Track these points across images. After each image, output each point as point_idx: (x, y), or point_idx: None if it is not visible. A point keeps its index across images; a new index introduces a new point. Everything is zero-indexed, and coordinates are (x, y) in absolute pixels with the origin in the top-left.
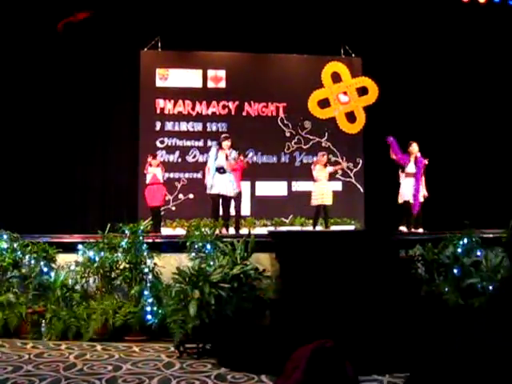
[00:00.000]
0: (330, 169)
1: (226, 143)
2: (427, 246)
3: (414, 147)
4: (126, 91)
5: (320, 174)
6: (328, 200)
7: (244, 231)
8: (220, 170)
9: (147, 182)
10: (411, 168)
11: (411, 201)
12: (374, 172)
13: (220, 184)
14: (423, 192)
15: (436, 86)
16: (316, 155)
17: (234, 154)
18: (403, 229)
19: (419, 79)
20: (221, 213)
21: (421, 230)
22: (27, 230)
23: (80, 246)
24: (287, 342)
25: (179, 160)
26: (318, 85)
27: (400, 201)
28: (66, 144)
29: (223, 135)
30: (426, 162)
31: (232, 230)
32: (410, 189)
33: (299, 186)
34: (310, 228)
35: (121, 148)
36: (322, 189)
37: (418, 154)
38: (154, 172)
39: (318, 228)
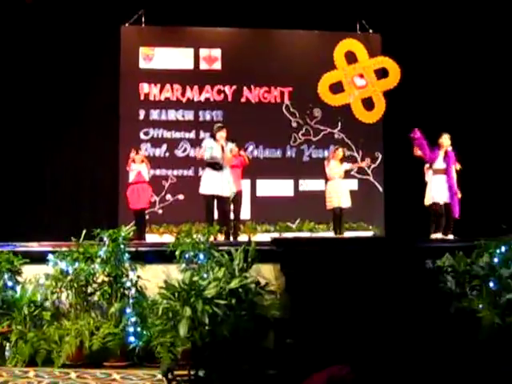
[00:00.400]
0: (347, 166)
1: (221, 134)
2: (458, 255)
3: (446, 139)
4: (104, 74)
5: (335, 171)
6: (346, 202)
7: (243, 238)
8: (216, 166)
9: (130, 180)
10: (440, 163)
11: (441, 202)
12: (396, 168)
13: (215, 182)
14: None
15: (469, 65)
16: (327, 149)
17: (230, 146)
18: (437, 236)
19: (448, 59)
20: (216, 216)
21: (451, 237)
22: None
23: (50, 256)
24: (295, 367)
25: (167, 154)
26: (330, 66)
27: (427, 202)
28: (33, 135)
29: (217, 125)
30: (458, 167)
31: (229, 237)
32: (440, 189)
33: (307, 184)
34: (321, 234)
35: (98, 141)
36: (338, 188)
37: (450, 148)
38: (138, 169)
39: (330, 234)
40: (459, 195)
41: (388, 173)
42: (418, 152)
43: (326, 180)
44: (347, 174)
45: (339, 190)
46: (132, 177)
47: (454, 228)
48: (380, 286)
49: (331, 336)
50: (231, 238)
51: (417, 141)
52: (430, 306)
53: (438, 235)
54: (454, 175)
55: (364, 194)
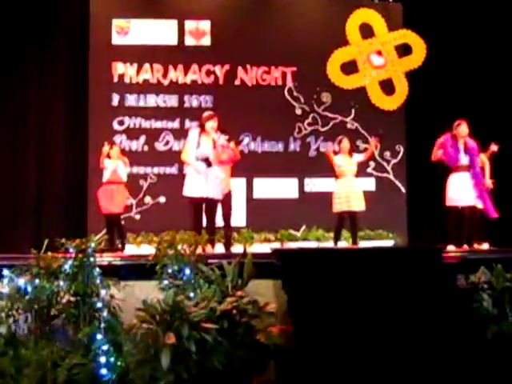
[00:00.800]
0: (360, 157)
1: (211, 124)
2: (496, 268)
3: (463, 129)
4: (70, 51)
5: (344, 166)
6: (357, 204)
7: (238, 249)
8: (204, 163)
9: (104, 179)
10: (462, 159)
11: (462, 205)
12: (421, 164)
13: (204, 183)
14: (488, 183)
15: (507, 41)
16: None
17: (222, 139)
18: (451, 248)
19: (482, 31)
20: (205, 223)
21: (486, 246)
22: None
23: (5, 272)
24: None
25: (145, 148)
26: (342, 41)
27: (448, 203)
28: None
29: (206, 113)
30: (495, 148)
31: (221, 248)
32: (461, 189)
33: (315, 184)
34: (331, 244)
35: (62, 133)
36: (348, 188)
37: (467, 139)
38: (113, 166)
39: (342, 244)
40: (490, 186)
41: (412, 170)
42: (437, 156)
43: (336, 178)
44: (362, 171)
45: (350, 191)
46: (106, 175)
47: (490, 235)
48: (402, 307)
49: (342, 368)
50: (222, 249)
51: (443, 144)
52: (463, 332)
53: (451, 247)
54: (483, 170)
55: (383, 195)
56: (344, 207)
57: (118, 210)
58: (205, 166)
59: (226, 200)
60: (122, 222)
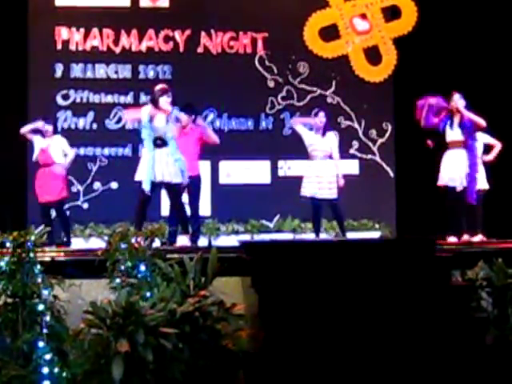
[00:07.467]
0: (334, 141)
1: (165, 99)
2: (496, 263)
3: (457, 100)
4: (4, 14)
5: (315, 145)
6: (327, 191)
7: (201, 242)
8: (157, 142)
9: (34, 160)
10: (456, 133)
11: (458, 184)
12: (412, 145)
13: (157, 164)
14: (482, 175)
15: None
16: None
17: (181, 115)
18: (452, 239)
19: None
20: (166, 211)
21: (479, 238)
22: None
23: None
24: None
25: (94, 126)
26: (320, 2)
27: (440, 182)
28: None
29: (159, 86)
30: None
31: (184, 240)
32: (456, 168)
33: (290, 167)
34: (308, 236)
35: None
36: (319, 171)
37: (465, 111)
38: (44, 145)
39: (323, 236)
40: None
41: (401, 151)
42: (423, 121)
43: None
44: (344, 152)
45: (321, 174)
46: (36, 156)
47: (486, 226)
48: (391, 310)
49: (319, 377)
50: (186, 241)
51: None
52: (459, 337)
53: (453, 239)
54: (478, 149)
55: (368, 179)
56: (311, 192)
57: (55, 197)
58: (157, 146)
59: (194, 186)
60: (68, 213)
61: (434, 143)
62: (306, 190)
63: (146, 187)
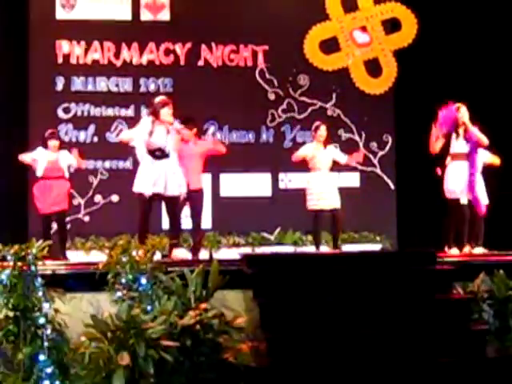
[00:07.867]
0: (337, 154)
1: (166, 110)
2: (497, 275)
3: (464, 112)
4: (6, 27)
5: (316, 158)
6: (329, 202)
7: (202, 255)
8: (156, 153)
9: (38, 174)
10: (460, 146)
11: (463, 199)
12: (412, 157)
13: (156, 177)
14: (482, 190)
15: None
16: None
17: (184, 132)
18: (454, 252)
19: (480, 4)
20: (166, 225)
21: (479, 250)
22: None
23: None
24: None
25: (95, 139)
26: (321, 15)
27: (447, 195)
28: None
29: (159, 98)
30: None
31: (184, 253)
32: (459, 179)
33: (291, 180)
34: (309, 249)
35: None
36: (321, 184)
37: (470, 126)
38: (52, 158)
39: (324, 248)
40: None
41: (402, 163)
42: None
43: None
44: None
45: (323, 187)
46: (41, 170)
47: (488, 237)
48: (392, 321)
49: None
50: (187, 255)
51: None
52: (459, 349)
53: (455, 251)
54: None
55: (369, 192)
56: (317, 205)
57: (58, 208)
58: (157, 158)
59: (197, 198)
60: (68, 226)
61: (442, 171)
62: (312, 204)
63: (146, 195)
